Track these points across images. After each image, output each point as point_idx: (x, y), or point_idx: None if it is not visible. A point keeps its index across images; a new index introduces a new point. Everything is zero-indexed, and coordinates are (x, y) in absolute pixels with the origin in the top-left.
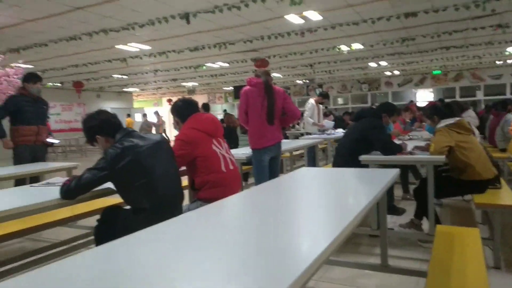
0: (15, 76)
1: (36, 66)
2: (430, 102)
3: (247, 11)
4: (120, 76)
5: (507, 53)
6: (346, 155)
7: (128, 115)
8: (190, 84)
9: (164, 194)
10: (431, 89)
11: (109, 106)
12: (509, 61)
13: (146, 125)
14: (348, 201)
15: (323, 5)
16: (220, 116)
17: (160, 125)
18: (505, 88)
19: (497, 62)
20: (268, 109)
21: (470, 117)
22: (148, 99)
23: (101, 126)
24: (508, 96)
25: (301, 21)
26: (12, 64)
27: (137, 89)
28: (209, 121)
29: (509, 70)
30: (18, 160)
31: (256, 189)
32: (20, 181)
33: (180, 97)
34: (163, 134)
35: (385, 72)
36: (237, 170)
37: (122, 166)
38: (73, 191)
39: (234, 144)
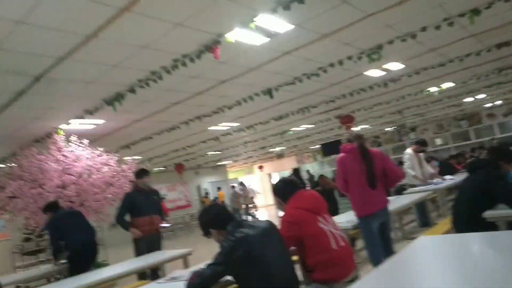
0: (129, 171)
1: (143, 156)
2: None
3: (326, 75)
4: (214, 152)
5: None
6: (466, 215)
7: (219, 188)
8: (277, 149)
9: (280, 281)
10: None
11: (207, 180)
12: None
13: (234, 197)
14: None
15: (403, 54)
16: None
17: (246, 196)
18: None
19: None
20: (367, 174)
21: None
22: (241, 168)
23: (213, 220)
24: None
25: (382, 73)
26: (125, 158)
27: (230, 161)
28: (311, 198)
29: None
30: (138, 252)
31: (380, 273)
32: (141, 274)
33: (280, 177)
34: (252, 205)
35: (484, 105)
36: (348, 246)
37: (236, 258)
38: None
39: (333, 208)
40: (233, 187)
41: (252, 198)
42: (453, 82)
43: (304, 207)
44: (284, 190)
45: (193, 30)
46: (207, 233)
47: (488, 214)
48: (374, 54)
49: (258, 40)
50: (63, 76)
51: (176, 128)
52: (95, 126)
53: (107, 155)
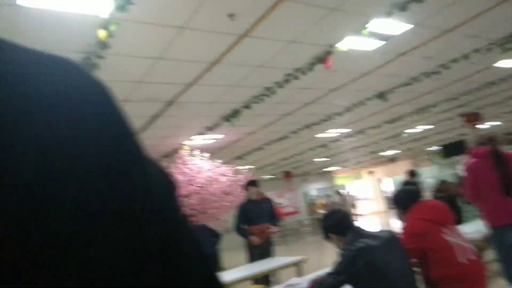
0: (245, 180)
1: (255, 165)
2: None
3: (448, 72)
4: (321, 159)
5: None
6: None
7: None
8: (390, 153)
9: None
10: None
11: (314, 187)
12: None
13: (332, 207)
14: None
15: None
16: (429, 180)
17: (344, 205)
18: None
19: None
20: (503, 180)
21: None
22: (349, 174)
23: (335, 225)
24: None
25: None
26: (239, 168)
27: (338, 167)
28: (436, 208)
29: None
30: (251, 258)
31: None
32: (259, 279)
33: (402, 185)
34: (354, 212)
35: None
36: (479, 260)
37: (358, 269)
38: None
39: (457, 217)
40: (327, 196)
41: (352, 205)
42: None
43: (428, 218)
44: (404, 200)
45: (305, 45)
46: (327, 237)
47: None
48: (509, 43)
49: (372, 45)
50: (190, 100)
51: (286, 137)
52: (214, 140)
53: (225, 166)
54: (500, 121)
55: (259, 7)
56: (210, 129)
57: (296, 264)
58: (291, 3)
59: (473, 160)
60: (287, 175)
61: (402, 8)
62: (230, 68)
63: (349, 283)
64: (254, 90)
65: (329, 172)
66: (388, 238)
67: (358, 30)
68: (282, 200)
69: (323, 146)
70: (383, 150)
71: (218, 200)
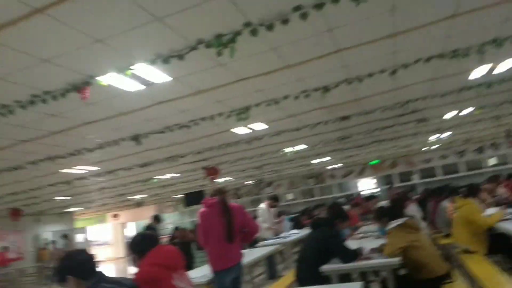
0: None
1: None
2: (357, 199)
3: (196, 128)
4: (63, 198)
5: (431, 140)
6: (309, 267)
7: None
8: (138, 197)
9: None
10: (371, 177)
11: (50, 229)
12: (435, 147)
13: (54, 254)
14: None
15: (267, 117)
16: (170, 226)
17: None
18: (435, 170)
19: (426, 148)
20: (227, 228)
21: (413, 211)
22: (91, 216)
23: (77, 267)
24: (439, 177)
25: (248, 131)
26: None
27: (80, 208)
28: (170, 254)
29: (437, 154)
30: None
31: None
32: None
33: (139, 231)
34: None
35: (327, 167)
36: None
37: None
38: None
39: (189, 262)
40: (53, 242)
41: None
42: (305, 144)
43: (160, 262)
44: (140, 245)
45: (61, 68)
46: (63, 280)
47: (324, 268)
48: (243, 114)
49: (133, 87)
50: None
51: (20, 168)
52: None
53: None
54: (232, 177)
55: (9, 11)
56: None
57: None
58: (51, 20)
59: (205, 209)
60: (15, 213)
61: (165, 60)
62: None
63: None
64: None
65: (70, 213)
66: (132, 286)
67: (122, 68)
68: (5, 243)
69: (67, 183)
70: (132, 194)
71: None
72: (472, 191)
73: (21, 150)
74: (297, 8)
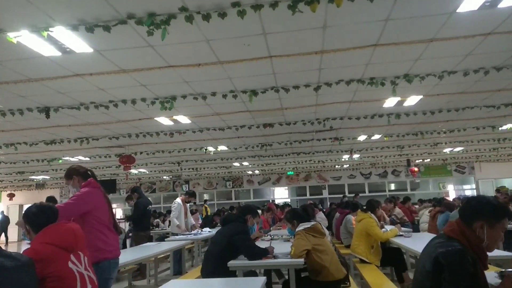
0: None
1: None
2: (269, 205)
3: (115, 110)
4: None
5: (343, 159)
6: (215, 262)
7: None
8: (40, 177)
9: None
10: (286, 187)
11: None
12: (345, 166)
13: None
14: None
15: (193, 111)
16: None
17: None
18: (344, 188)
19: (337, 166)
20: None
21: (320, 218)
22: None
23: None
24: (346, 194)
25: (171, 123)
26: None
27: None
28: (68, 233)
29: (346, 173)
30: None
31: None
32: None
33: (36, 201)
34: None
35: (247, 171)
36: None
37: None
38: None
39: None
40: None
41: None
42: (227, 146)
43: (56, 242)
44: (37, 218)
45: None
46: None
47: (231, 263)
48: (167, 103)
49: (48, 51)
50: None
51: None
52: None
53: None
54: (146, 170)
55: None
56: None
57: None
58: None
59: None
60: None
61: (90, 28)
62: None
63: None
64: None
65: None
66: (27, 263)
67: (38, 28)
68: None
69: None
70: (33, 173)
71: None
72: (370, 206)
73: None
74: (235, 4)
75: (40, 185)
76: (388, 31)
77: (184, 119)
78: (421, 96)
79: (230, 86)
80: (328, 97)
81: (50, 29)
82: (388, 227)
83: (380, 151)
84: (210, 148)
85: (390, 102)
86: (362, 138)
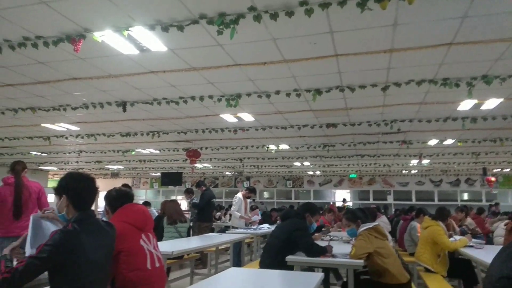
0: None
1: None
2: (331, 206)
3: (185, 106)
4: (38, 153)
5: (411, 164)
6: (274, 256)
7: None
8: (115, 167)
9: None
10: (348, 190)
11: None
12: (413, 171)
13: None
14: None
15: (256, 109)
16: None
17: None
18: (411, 195)
19: (404, 171)
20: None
21: (383, 222)
22: None
23: (74, 191)
24: (413, 202)
25: (235, 120)
26: None
27: (55, 168)
28: (140, 213)
29: (414, 179)
30: None
31: None
32: None
33: (115, 186)
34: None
35: (308, 172)
36: (163, 268)
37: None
38: None
39: (159, 236)
40: None
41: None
42: (289, 145)
43: (130, 221)
44: (116, 201)
45: (58, 14)
46: (58, 194)
47: (289, 258)
48: (232, 100)
49: (127, 49)
50: None
51: (0, 112)
52: None
53: None
54: (210, 165)
55: None
56: None
57: None
58: None
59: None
60: None
61: (165, 28)
62: None
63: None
64: None
65: (44, 171)
66: (113, 234)
67: (119, 28)
68: None
69: (46, 139)
70: (109, 163)
71: None
72: (441, 214)
73: (3, 94)
74: (303, 3)
75: (115, 174)
76: (464, 29)
77: (247, 117)
78: (501, 100)
79: (294, 84)
80: (397, 98)
81: (130, 28)
82: (457, 238)
83: (453, 157)
84: (272, 147)
85: (466, 105)
86: (433, 142)
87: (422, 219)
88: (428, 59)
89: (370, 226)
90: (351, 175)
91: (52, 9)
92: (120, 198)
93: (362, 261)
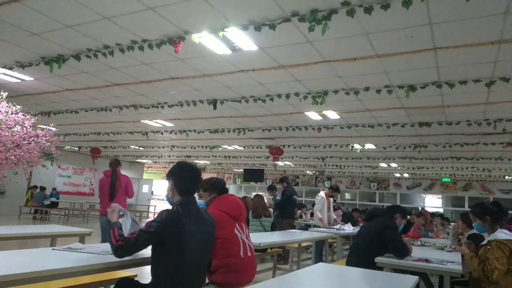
0: (43, 138)
1: (61, 129)
2: (424, 211)
3: (271, 104)
4: (137, 147)
5: None
6: (361, 256)
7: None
8: (202, 162)
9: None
10: (439, 196)
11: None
12: None
13: None
14: None
15: (343, 107)
16: None
17: None
18: None
19: (507, 177)
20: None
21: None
22: (158, 171)
23: (179, 177)
24: None
25: (320, 118)
26: (42, 126)
27: (149, 161)
28: (235, 204)
29: None
30: None
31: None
32: None
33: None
34: None
35: (395, 174)
36: (254, 258)
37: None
38: None
39: None
40: None
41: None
42: (375, 145)
43: (227, 210)
44: (214, 186)
45: (162, 19)
46: (168, 178)
47: (378, 259)
48: (319, 98)
49: (221, 49)
50: (5, 18)
51: (108, 109)
52: (20, 81)
53: (23, 115)
54: (292, 163)
55: None
56: (21, 65)
57: (79, 235)
58: None
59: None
60: (96, 151)
61: (257, 27)
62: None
63: (155, 243)
64: (92, 42)
65: (140, 163)
66: (211, 221)
67: (216, 29)
68: (79, 177)
69: (144, 133)
70: (197, 158)
71: (1, 149)
72: None
73: (111, 93)
74: None
75: (202, 169)
76: None
77: (333, 115)
78: None
79: (386, 80)
80: (503, 95)
81: (225, 29)
82: None
83: None
84: (357, 146)
85: None
86: None
87: None
88: None
89: (510, 238)
90: (444, 179)
91: (158, 14)
92: (218, 185)
93: (460, 268)
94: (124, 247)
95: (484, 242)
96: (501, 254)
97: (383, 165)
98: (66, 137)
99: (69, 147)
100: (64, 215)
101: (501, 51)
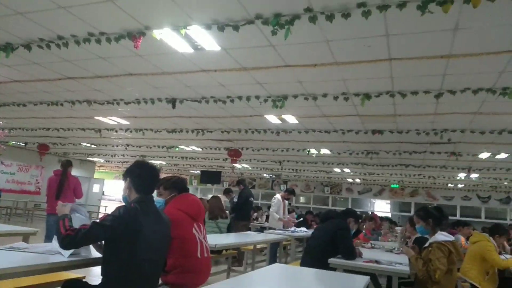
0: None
1: (6, 123)
2: (373, 214)
3: (231, 105)
4: (88, 145)
5: (458, 178)
6: (315, 257)
7: None
8: (158, 162)
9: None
10: (388, 201)
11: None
12: (460, 186)
13: None
14: None
15: (301, 111)
16: None
17: None
18: (456, 210)
19: (449, 185)
20: None
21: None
22: (111, 170)
23: (136, 176)
24: (458, 217)
25: (279, 122)
26: None
27: (101, 160)
28: (195, 203)
29: (460, 194)
30: None
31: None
32: None
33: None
34: None
35: (347, 179)
36: (210, 259)
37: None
38: None
39: None
40: None
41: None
42: (330, 150)
43: (185, 209)
44: (175, 185)
45: (122, 12)
46: (125, 177)
47: (332, 260)
48: (279, 102)
49: (182, 48)
50: None
51: (59, 104)
52: None
53: None
54: (249, 166)
55: None
56: None
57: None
58: None
59: None
60: (43, 148)
61: (221, 28)
62: None
63: (109, 237)
64: (45, 32)
65: (92, 162)
66: (167, 221)
67: (178, 26)
68: (24, 175)
69: (97, 131)
70: (153, 158)
71: None
72: (499, 230)
73: (64, 87)
74: (361, 4)
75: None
76: None
77: (291, 119)
78: None
79: (343, 88)
80: (450, 106)
81: (188, 27)
82: (508, 256)
83: (505, 173)
84: (313, 151)
85: None
86: (484, 155)
87: (467, 232)
88: (488, 67)
89: (450, 239)
90: (392, 185)
91: (117, 7)
92: (179, 184)
93: (408, 269)
94: (74, 237)
95: (426, 245)
96: (442, 255)
97: (337, 170)
98: (11, 131)
99: (14, 142)
100: (5, 214)
101: (449, 64)
